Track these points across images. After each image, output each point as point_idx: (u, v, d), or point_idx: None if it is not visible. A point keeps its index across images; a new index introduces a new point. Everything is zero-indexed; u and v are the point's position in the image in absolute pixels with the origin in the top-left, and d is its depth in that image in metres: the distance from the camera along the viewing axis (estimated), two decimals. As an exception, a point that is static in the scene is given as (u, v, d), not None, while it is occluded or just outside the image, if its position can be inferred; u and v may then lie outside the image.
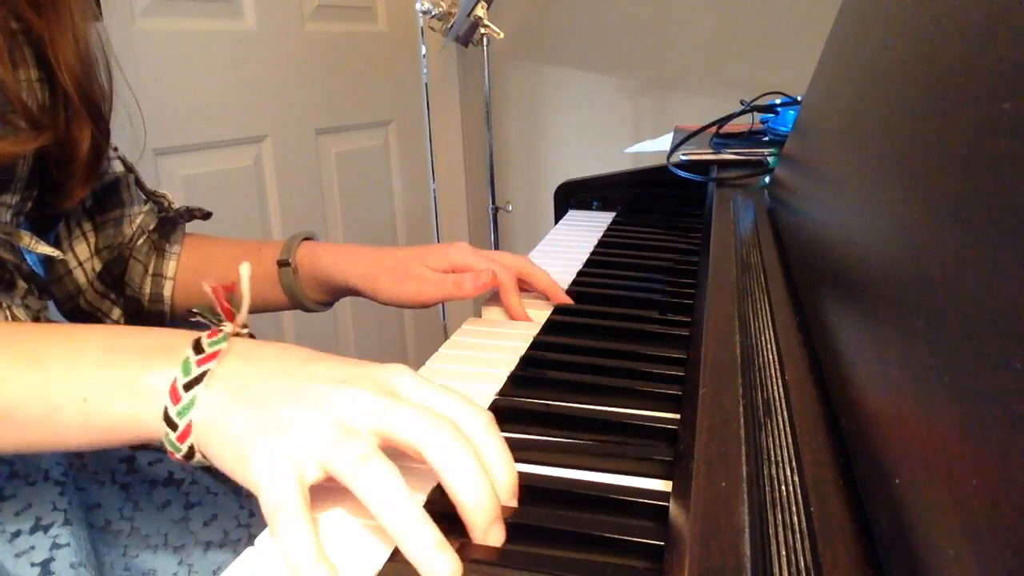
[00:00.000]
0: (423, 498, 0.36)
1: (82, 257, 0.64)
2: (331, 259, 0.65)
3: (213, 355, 0.36)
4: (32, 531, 0.48)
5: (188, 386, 0.35)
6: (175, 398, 0.35)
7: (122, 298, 0.66)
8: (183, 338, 0.38)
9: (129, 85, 0.61)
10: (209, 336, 0.37)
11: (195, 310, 0.56)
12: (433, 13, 1.58)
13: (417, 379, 0.36)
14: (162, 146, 1.28)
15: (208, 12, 1.35)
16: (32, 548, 0.47)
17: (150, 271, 0.66)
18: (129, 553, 0.53)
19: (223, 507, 0.57)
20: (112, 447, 0.38)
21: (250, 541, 0.33)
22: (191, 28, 1.31)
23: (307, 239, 0.67)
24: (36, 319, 0.54)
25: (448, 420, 0.34)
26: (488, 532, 0.32)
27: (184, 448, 0.35)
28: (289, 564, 0.30)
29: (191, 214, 0.69)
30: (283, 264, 0.65)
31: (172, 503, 0.56)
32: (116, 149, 0.65)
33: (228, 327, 0.39)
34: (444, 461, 0.32)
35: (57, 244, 0.63)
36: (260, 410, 0.34)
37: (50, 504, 0.48)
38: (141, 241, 0.66)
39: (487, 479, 0.33)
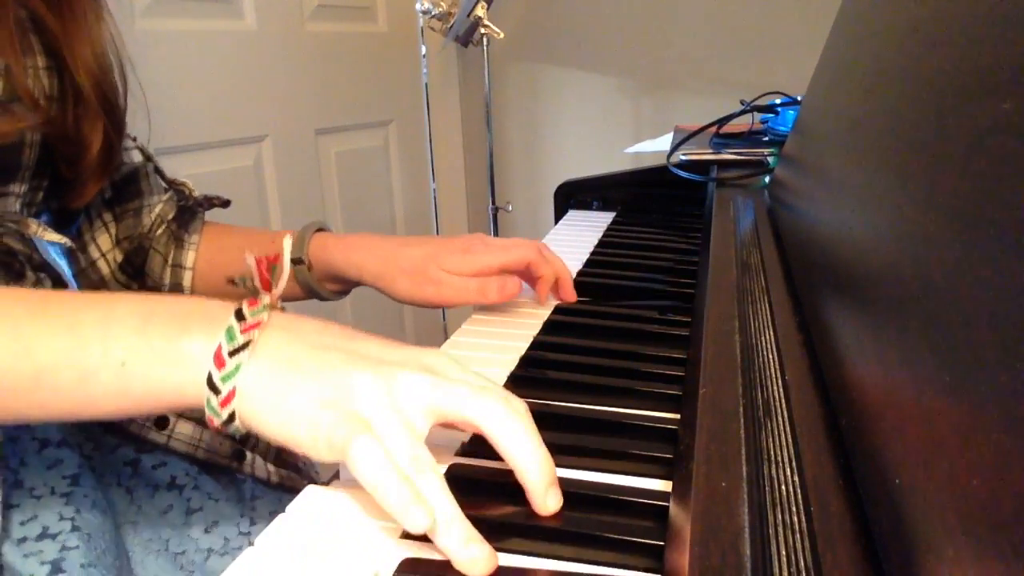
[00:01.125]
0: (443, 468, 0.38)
1: (104, 248, 0.64)
2: (342, 256, 0.64)
3: (256, 324, 0.36)
4: (39, 538, 0.48)
5: (233, 352, 0.35)
6: (219, 363, 0.35)
7: (143, 289, 0.66)
8: (221, 306, 0.38)
9: (140, 82, 0.62)
10: (250, 305, 0.37)
11: (235, 279, 0.56)
12: (433, 13, 1.58)
13: (459, 365, 0.38)
14: (162, 146, 1.27)
15: (208, 12, 1.35)
16: (41, 551, 0.47)
17: (169, 261, 0.66)
18: (132, 559, 0.53)
19: (224, 514, 0.57)
20: (143, 415, 0.38)
21: (250, 544, 0.33)
22: (191, 28, 1.31)
23: (320, 230, 0.67)
24: None
25: (497, 392, 0.35)
26: (547, 496, 0.34)
27: (225, 414, 0.35)
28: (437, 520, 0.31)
29: (210, 202, 0.70)
30: (296, 262, 0.66)
31: (174, 508, 0.55)
32: (135, 139, 0.66)
33: (266, 298, 0.39)
34: (502, 431, 0.34)
35: (80, 235, 0.63)
36: (316, 378, 0.35)
37: (56, 514, 0.48)
38: (160, 231, 0.66)
39: (542, 445, 0.35)
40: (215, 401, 0.35)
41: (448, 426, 0.36)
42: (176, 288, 0.66)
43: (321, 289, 0.67)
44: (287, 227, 1.51)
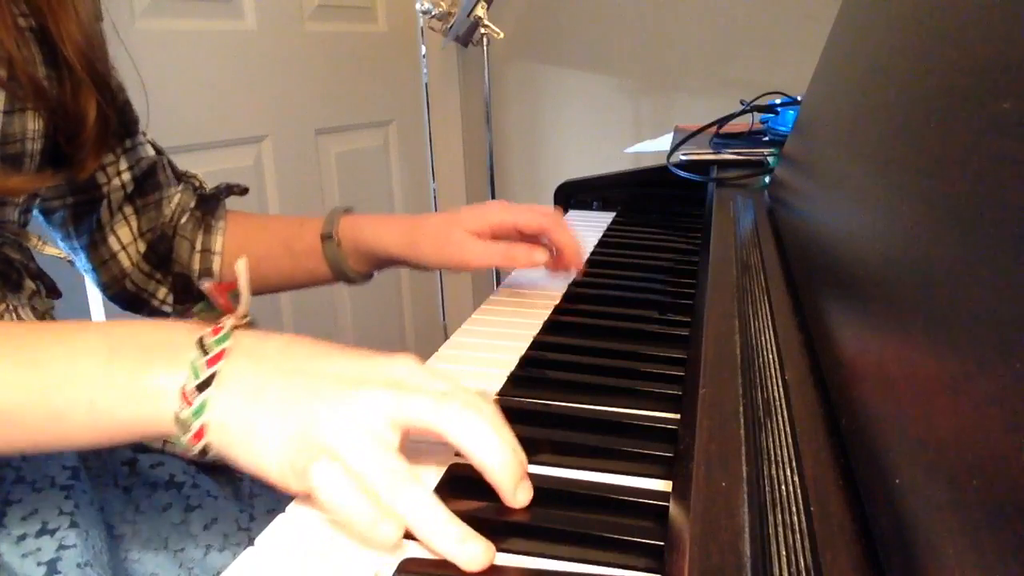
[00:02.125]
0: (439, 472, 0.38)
1: (125, 240, 0.66)
2: (372, 230, 0.66)
3: (220, 355, 0.36)
4: (38, 535, 0.48)
5: (199, 388, 0.35)
6: (186, 401, 0.35)
7: (169, 276, 0.68)
8: (186, 334, 0.37)
9: (143, 82, 0.63)
10: (212, 333, 0.37)
11: (195, 311, 0.56)
12: (433, 13, 1.58)
13: (426, 371, 0.38)
14: (162, 146, 1.28)
15: (208, 12, 1.35)
16: (39, 549, 0.47)
17: (197, 247, 0.68)
18: (130, 557, 0.53)
19: (223, 510, 0.57)
20: (123, 444, 0.38)
21: (250, 544, 0.33)
22: (191, 28, 1.31)
23: (347, 211, 0.69)
24: (42, 320, 0.54)
25: (458, 397, 0.35)
26: (516, 492, 0.34)
27: (196, 449, 0.35)
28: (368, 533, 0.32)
29: (230, 190, 0.71)
30: (326, 237, 0.67)
31: (173, 506, 0.55)
32: (145, 134, 0.67)
33: (230, 323, 0.39)
34: (462, 433, 0.34)
35: (99, 228, 0.64)
36: (280, 409, 0.35)
37: (56, 509, 0.48)
38: (184, 219, 0.68)
39: (506, 441, 0.35)
40: (185, 438, 0.35)
41: (423, 434, 0.36)
42: (207, 273, 0.68)
43: (348, 268, 0.68)
44: (287, 227, 1.52)
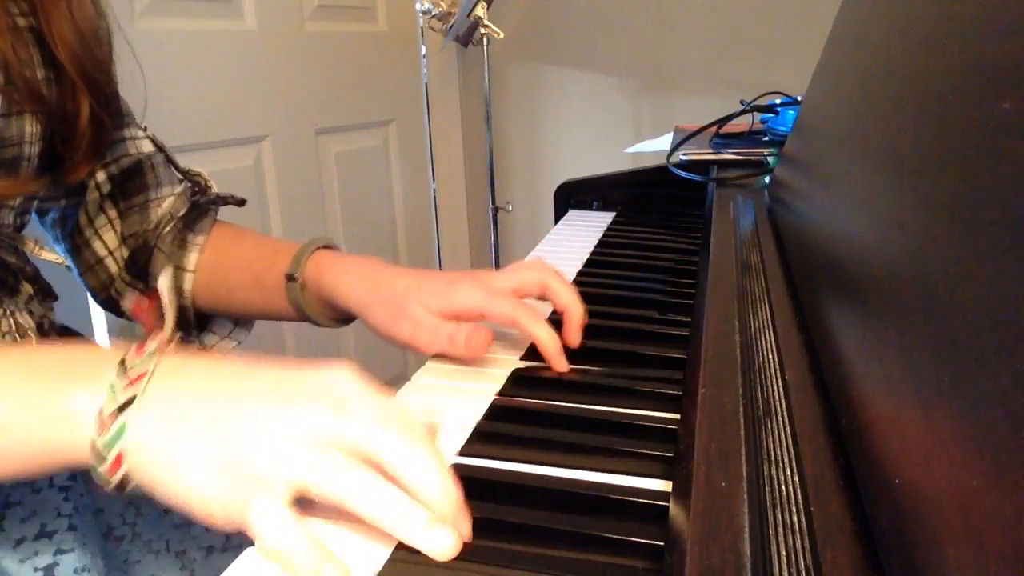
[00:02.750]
0: None
1: (111, 246, 0.62)
2: (333, 279, 0.58)
3: (139, 377, 0.34)
4: (36, 538, 0.48)
5: (116, 412, 0.33)
6: (101, 427, 0.33)
7: (148, 288, 0.64)
8: (108, 355, 0.35)
9: (145, 80, 0.60)
10: (135, 353, 0.35)
11: (118, 331, 0.54)
12: (433, 13, 1.58)
13: (363, 384, 0.36)
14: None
15: (208, 12, 1.35)
16: (36, 553, 0.47)
17: (172, 263, 0.63)
18: (131, 559, 0.53)
19: None
20: (47, 475, 0.36)
21: (251, 543, 0.33)
22: (191, 28, 1.31)
23: (324, 247, 0.61)
24: (39, 324, 0.53)
25: (396, 423, 0.34)
26: (455, 522, 0.33)
27: (115, 480, 0.33)
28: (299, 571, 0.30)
29: (224, 201, 0.66)
30: (290, 278, 0.59)
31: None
32: (146, 128, 0.63)
33: (153, 344, 0.37)
34: (398, 461, 0.33)
35: (79, 233, 0.61)
36: (208, 436, 0.33)
37: (55, 511, 0.48)
38: (167, 230, 0.63)
39: (443, 472, 0.33)
40: (103, 468, 0.33)
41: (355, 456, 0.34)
42: (178, 291, 0.63)
43: (312, 312, 0.61)
44: (287, 226, 1.52)
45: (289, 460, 0.32)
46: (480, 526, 0.34)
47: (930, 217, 0.27)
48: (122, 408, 0.33)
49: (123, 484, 0.33)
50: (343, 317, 0.61)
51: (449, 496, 0.33)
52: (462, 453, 0.41)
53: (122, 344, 0.36)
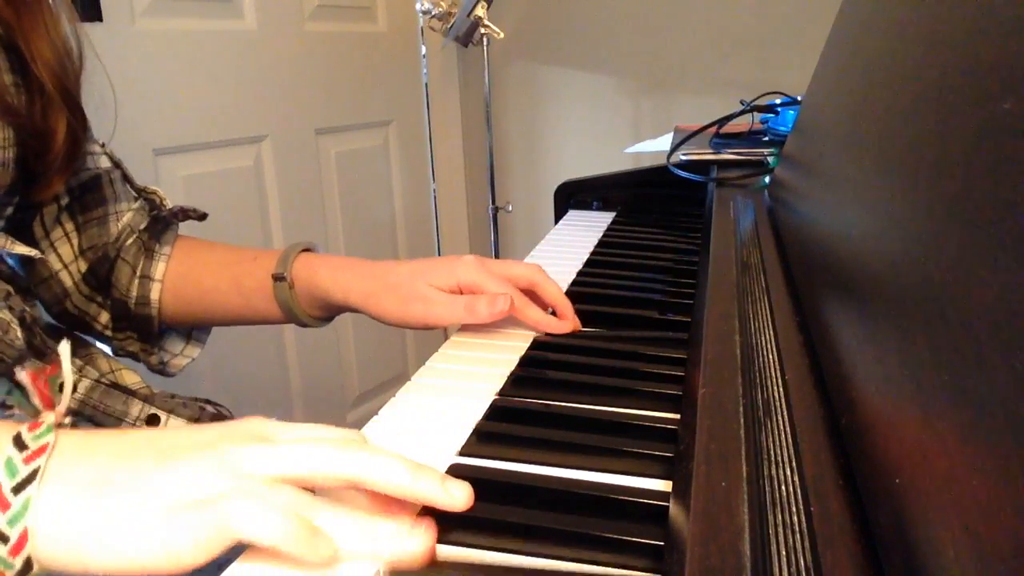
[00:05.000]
0: None
1: (67, 259, 0.61)
2: (329, 274, 0.60)
3: (41, 450, 0.32)
4: None
5: (17, 489, 0.31)
6: (2, 505, 0.30)
7: (109, 300, 0.64)
8: (1, 433, 0.33)
9: (111, 84, 0.59)
10: (30, 428, 0.33)
11: (9, 403, 0.50)
12: (433, 13, 1.58)
13: (280, 424, 0.35)
14: (162, 146, 1.28)
15: (208, 12, 1.35)
16: None
17: (138, 273, 0.63)
18: None
19: None
20: None
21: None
22: (191, 28, 1.31)
23: (306, 250, 0.64)
24: (22, 320, 0.52)
25: (331, 437, 0.34)
26: (448, 491, 0.33)
27: (18, 563, 0.30)
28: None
29: (185, 214, 0.66)
30: (278, 278, 0.62)
31: None
32: (103, 144, 0.63)
33: (50, 417, 0.35)
34: (361, 468, 0.32)
35: (33, 244, 0.60)
36: (140, 489, 0.31)
37: None
38: (130, 242, 0.63)
39: (404, 460, 0.33)
40: (3, 551, 0.30)
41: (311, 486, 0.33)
42: (143, 300, 0.63)
43: (300, 312, 0.63)
44: (287, 227, 1.52)
45: (244, 491, 0.31)
46: (480, 526, 0.34)
47: (930, 217, 0.27)
48: (25, 484, 0.31)
49: (27, 568, 0.31)
50: (330, 315, 0.65)
51: (425, 473, 0.33)
52: (462, 453, 0.41)
53: (9, 423, 0.34)
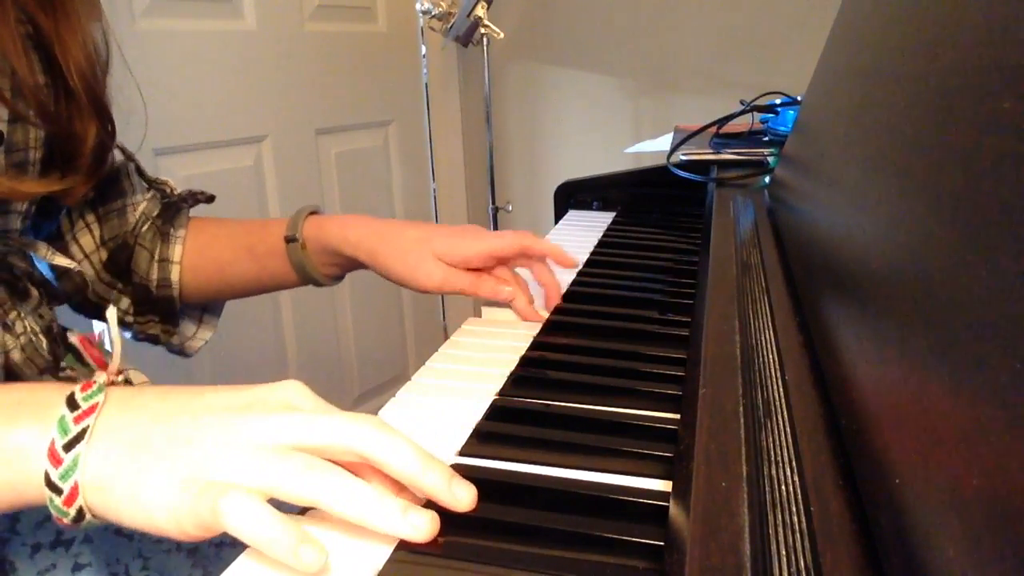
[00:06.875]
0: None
1: (88, 249, 0.64)
2: (338, 231, 0.64)
3: (91, 410, 0.34)
4: (53, 546, 0.48)
5: (68, 446, 0.33)
6: (55, 460, 0.33)
7: (129, 286, 0.66)
8: (55, 392, 0.35)
9: (136, 82, 0.61)
10: (83, 389, 0.35)
11: (64, 364, 0.53)
12: (433, 13, 1.58)
13: (311, 395, 0.37)
14: (162, 146, 1.28)
15: (208, 12, 1.35)
16: (54, 566, 0.47)
17: (156, 257, 0.66)
18: (144, 554, 0.53)
19: None
20: (11, 510, 0.36)
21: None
22: (191, 28, 1.31)
23: (313, 213, 0.67)
24: (48, 329, 0.54)
25: (360, 417, 0.35)
26: (452, 490, 0.34)
27: (72, 512, 0.33)
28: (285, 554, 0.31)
29: (195, 198, 0.69)
30: (290, 240, 0.65)
31: None
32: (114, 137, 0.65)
33: (102, 377, 0.37)
34: (378, 448, 0.33)
35: (59, 237, 0.63)
36: (169, 454, 0.33)
37: None
38: (146, 228, 0.66)
39: (421, 450, 0.34)
40: (58, 500, 0.33)
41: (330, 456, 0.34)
42: (164, 283, 0.65)
43: (315, 271, 0.67)
44: (287, 227, 1.51)
45: (255, 466, 0.32)
46: (480, 526, 0.34)
47: (930, 217, 0.27)
48: (74, 442, 0.33)
49: (80, 516, 0.34)
50: (343, 271, 0.69)
51: (435, 465, 0.34)
52: (462, 453, 0.41)
53: (66, 382, 0.36)
